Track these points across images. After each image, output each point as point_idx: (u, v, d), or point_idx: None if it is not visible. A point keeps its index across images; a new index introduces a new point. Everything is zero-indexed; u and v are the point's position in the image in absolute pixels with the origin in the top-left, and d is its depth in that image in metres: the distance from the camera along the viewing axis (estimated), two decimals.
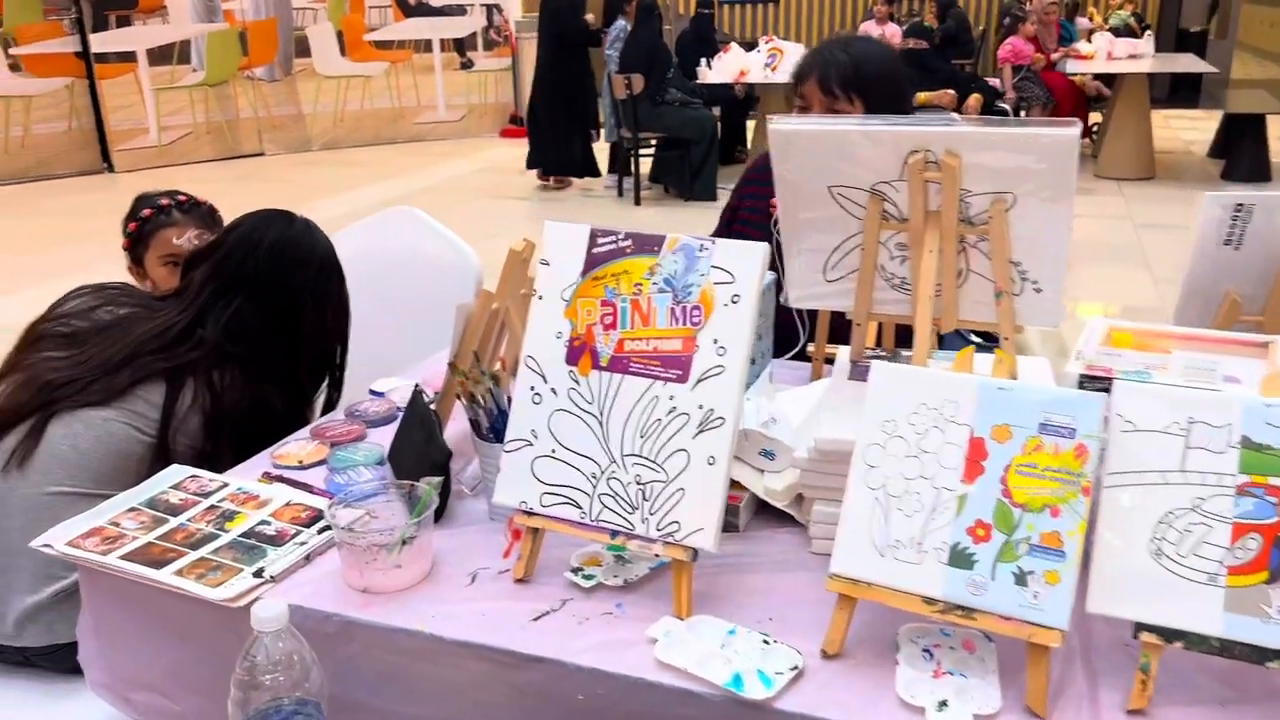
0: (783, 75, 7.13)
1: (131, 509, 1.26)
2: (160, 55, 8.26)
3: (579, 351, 1.10)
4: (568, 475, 1.09)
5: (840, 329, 1.48)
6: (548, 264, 1.14)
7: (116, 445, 1.43)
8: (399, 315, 2.21)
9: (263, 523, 1.23)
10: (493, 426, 1.21)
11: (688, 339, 1.05)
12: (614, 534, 1.06)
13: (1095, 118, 8.03)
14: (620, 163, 7.15)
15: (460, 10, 9.59)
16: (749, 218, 1.94)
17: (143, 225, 1.86)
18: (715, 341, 1.04)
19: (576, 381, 1.10)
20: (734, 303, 1.04)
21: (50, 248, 5.99)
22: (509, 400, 1.21)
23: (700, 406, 1.03)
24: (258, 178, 8.00)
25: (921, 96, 4.95)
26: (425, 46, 9.53)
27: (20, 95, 7.68)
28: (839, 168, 1.15)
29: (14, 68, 7.65)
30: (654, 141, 6.91)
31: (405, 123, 9.49)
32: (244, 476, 1.36)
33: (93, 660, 1.24)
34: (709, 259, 1.06)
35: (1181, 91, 11.01)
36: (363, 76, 9.25)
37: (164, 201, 1.87)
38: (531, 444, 1.11)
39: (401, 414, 1.54)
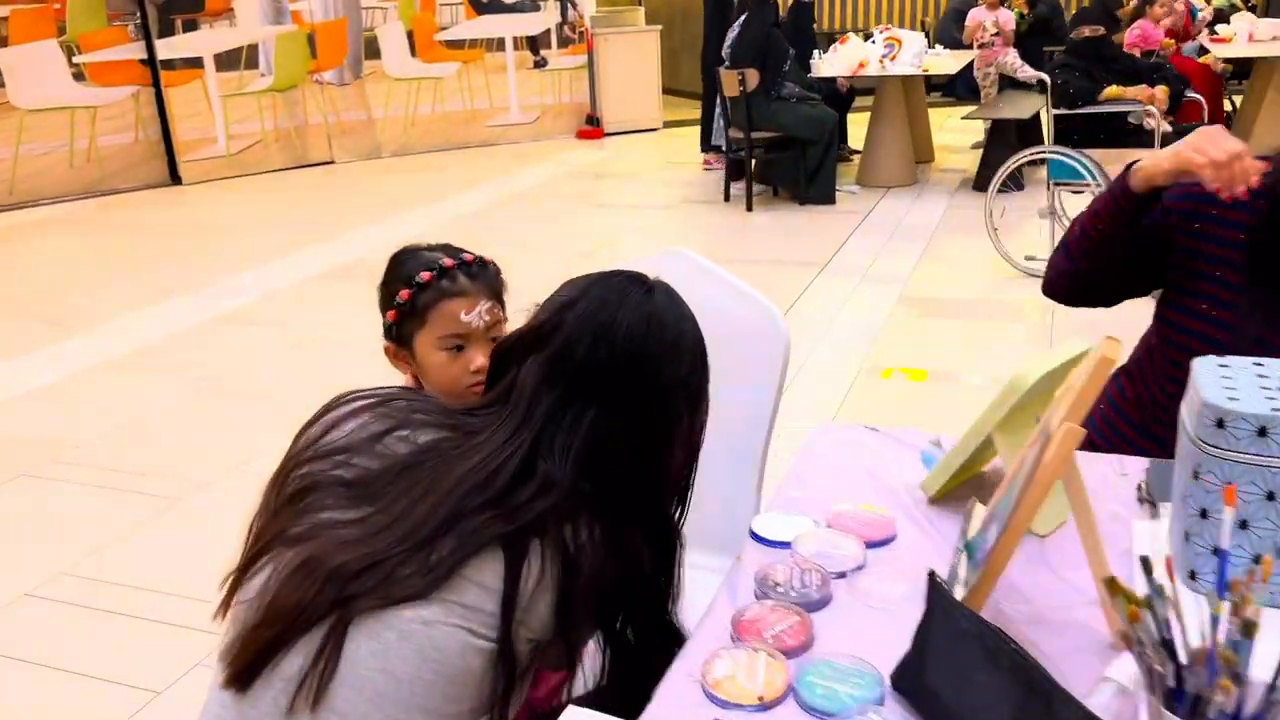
0: (901, 66, 6.59)
1: None
2: (227, 60, 7.83)
3: None
4: None
5: None
6: None
7: (449, 663, 0.92)
8: None
9: None
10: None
11: None
12: None
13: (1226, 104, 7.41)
14: (728, 165, 6.62)
15: (533, 6, 9.10)
16: (1214, 273, 1.38)
17: (419, 294, 1.36)
18: None
19: None
20: None
21: (128, 271, 5.55)
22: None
23: None
24: (331, 187, 7.56)
25: (1111, 91, 4.38)
26: (497, 45, 9.04)
27: (85, 106, 7.27)
28: None
29: (78, 77, 7.24)
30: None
31: (477, 126, 9.01)
32: None
33: None
34: None
35: None
36: (433, 78, 8.78)
37: (446, 261, 1.37)
38: None
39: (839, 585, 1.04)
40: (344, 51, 8.35)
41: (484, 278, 1.40)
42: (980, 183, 6.38)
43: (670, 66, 10.08)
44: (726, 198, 6.59)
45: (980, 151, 7.13)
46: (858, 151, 7.27)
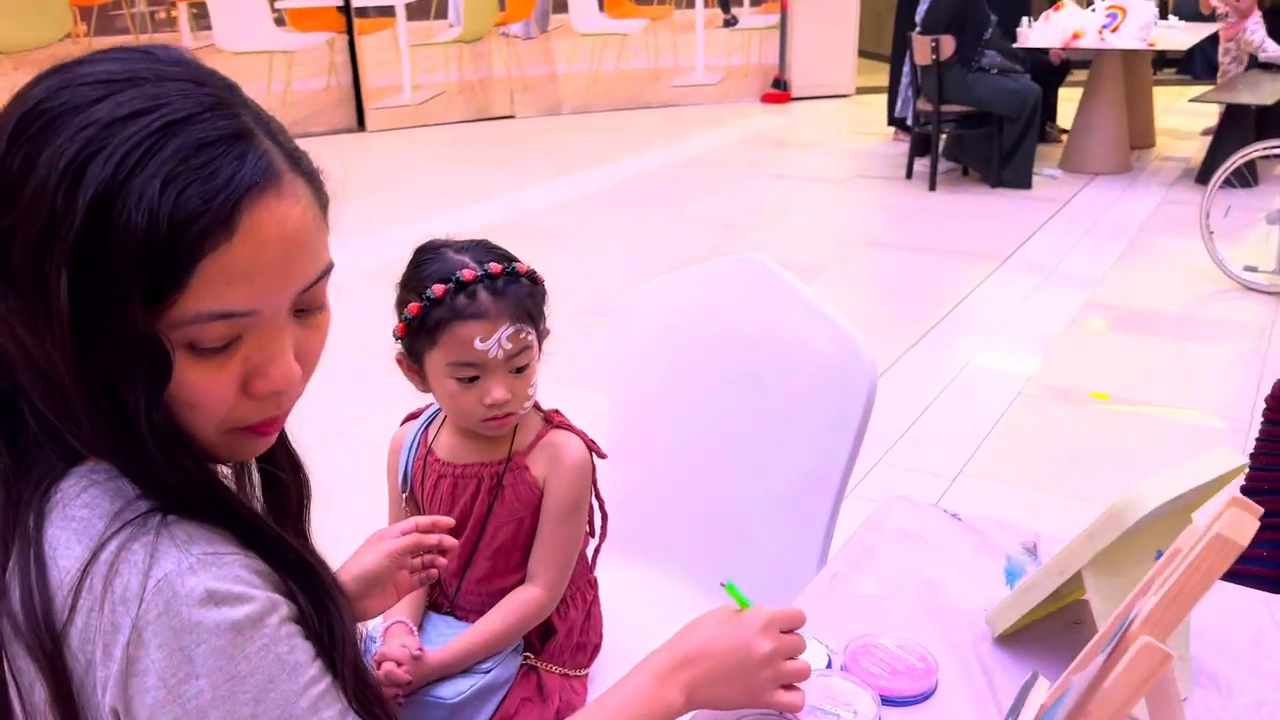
0: (1123, 39, 5.86)
1: None
2: (418, 9, 7.91)
3: None
4: None
5: None
6: None
7: None
8: (754, 430, 1.43)
9: None
10: None
11: None
12: None
13: None
14: (913, 139, 6.12)
15: None
16: None
17: (430, 310, 1.15)
18: None
19: None
20: None
21: None
22: None
23: None
24: (510, 142, 7.53)
25: None
26: (686, 2, 8.75)
27: (284, 50, 7.52)
28: None
29: (279, 22, 7.49)
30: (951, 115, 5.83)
31: (661, 85, 8.78)
32: None
33: None
34: None
35: None
36: (620, 35, 8.59)
37: (465, 273, 1.14)
38: None
39: None
40: (532, 4, 8.28)
41: (511, 295, 1.16)
42: (1204, 175, 5.62)
43: (872, 28, 9.49)
44: (909, 174, 6.09)
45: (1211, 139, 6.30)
46: (1067, 131, 6.57)
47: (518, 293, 1.17)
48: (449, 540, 1.09)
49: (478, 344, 1.14)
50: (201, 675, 0.57)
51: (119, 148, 0.56)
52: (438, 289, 1.14)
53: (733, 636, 0.78)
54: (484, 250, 1.21)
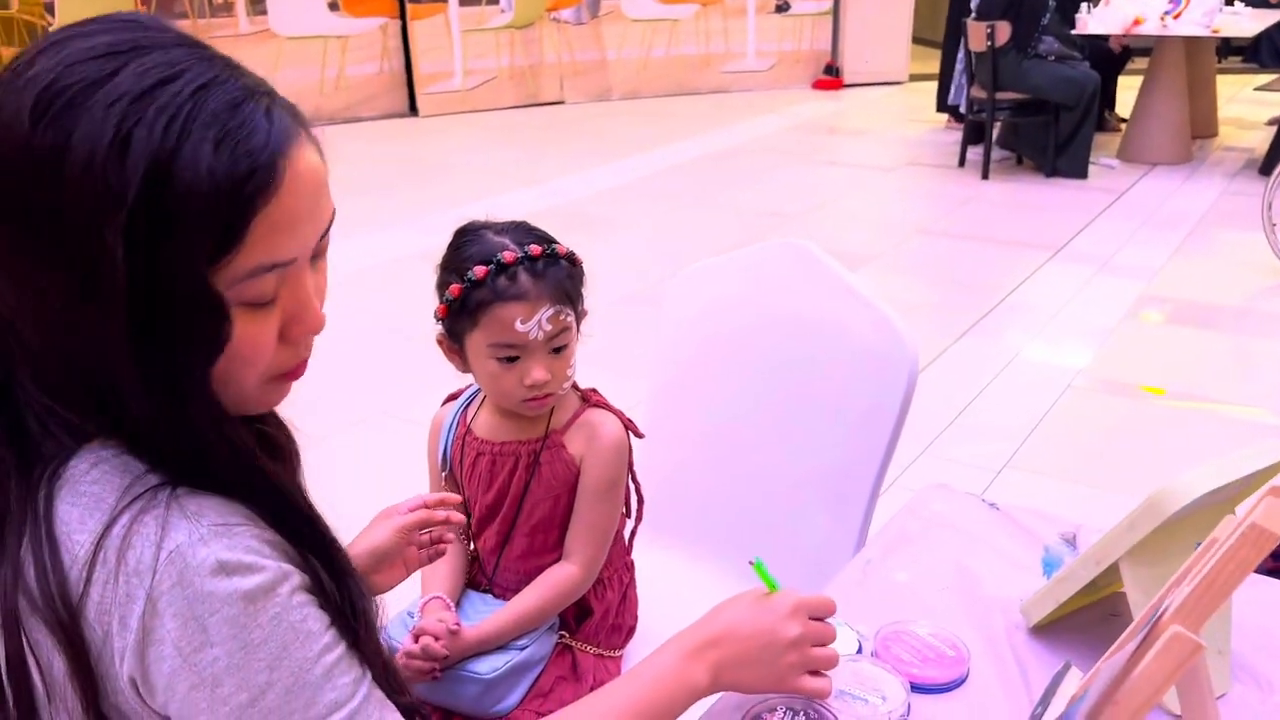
0: (1186, 26, 5.70)
1: None
2: None
3: None
4: None
5: None
6: None
7: None
8: (793, 415, 1.43)
9: None
10: None
11: None
12: None
13: None
14: (967, 127, 6.02)
15: None
16: None
17: (471, 291, 1.16)
18: None
19: None
20: None
21: (351, 199, 5.75)
22: None
23: None
24: (559, 128, 7.54)
25: None
26: None
27: (337, 35, 7.60)
28: None
29: (332, 7, 7.57)
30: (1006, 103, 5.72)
31: (711, 71, 8.73)
32: None
33: None
34: None
35: None
36: (671, 20, 8.56)
37: (506, 255, 1.15)
38: None
39: None
40: None
41: (551, 277, 1.17)
42: (1268, 166, 5.46)
43: (927, 14, 9.34)
44: (961, 163, 6.01)
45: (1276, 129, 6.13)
46: (1126, 120, 6.43)
47: (557, 274, 1.18)
48: (456, 516, 1.11)
49: (518, 325, 1.15)
50: (216, 644, 0.59)
51: (160, 115, 0.57)
52: (479, 271, 1.15)
53: (760, 620, 0.79)
54: (523, 232, 1.22)
